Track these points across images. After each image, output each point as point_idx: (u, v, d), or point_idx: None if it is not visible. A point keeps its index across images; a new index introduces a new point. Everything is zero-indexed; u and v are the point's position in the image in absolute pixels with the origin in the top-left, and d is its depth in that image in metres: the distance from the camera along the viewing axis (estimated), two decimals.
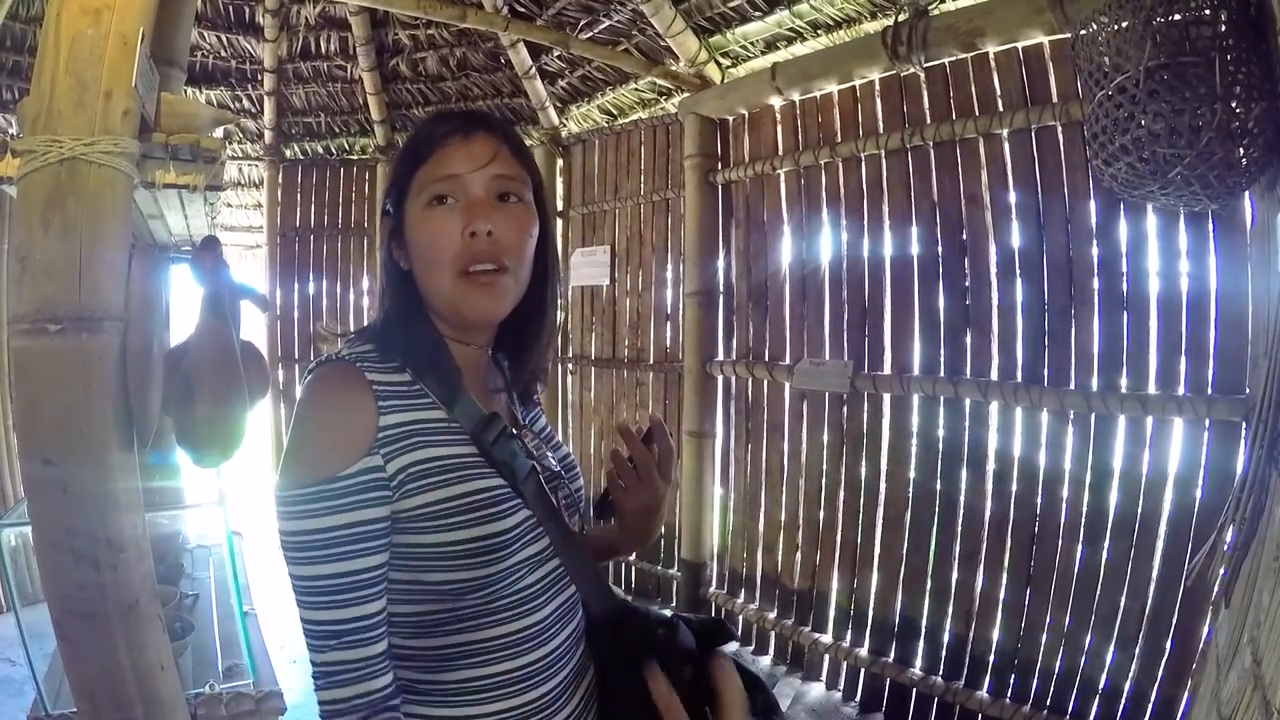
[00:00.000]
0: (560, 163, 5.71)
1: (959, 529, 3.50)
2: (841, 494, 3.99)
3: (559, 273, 1.39)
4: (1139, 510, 2.97)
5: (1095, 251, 3.07)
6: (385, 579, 1.11)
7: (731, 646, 4.20)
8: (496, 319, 1.26)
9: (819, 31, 4.10)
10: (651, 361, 5.06)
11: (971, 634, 3.46)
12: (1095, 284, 3.07)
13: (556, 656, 1.22)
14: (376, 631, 1.09)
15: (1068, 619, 3.15)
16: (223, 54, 6.19)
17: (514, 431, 1.27)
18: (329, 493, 1.06)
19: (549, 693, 1.20)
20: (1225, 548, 1.90)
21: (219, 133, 1.84)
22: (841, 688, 3.96)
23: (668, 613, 1.37)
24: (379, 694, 1.09)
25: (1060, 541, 3.17)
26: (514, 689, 1.17)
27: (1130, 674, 2.99)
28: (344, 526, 1.06)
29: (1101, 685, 3.06)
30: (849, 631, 3.94)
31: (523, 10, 5.05)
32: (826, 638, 4.02)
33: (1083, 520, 3.11)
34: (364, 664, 1.08)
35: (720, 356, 4.60)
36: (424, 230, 1.20)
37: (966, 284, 3.47)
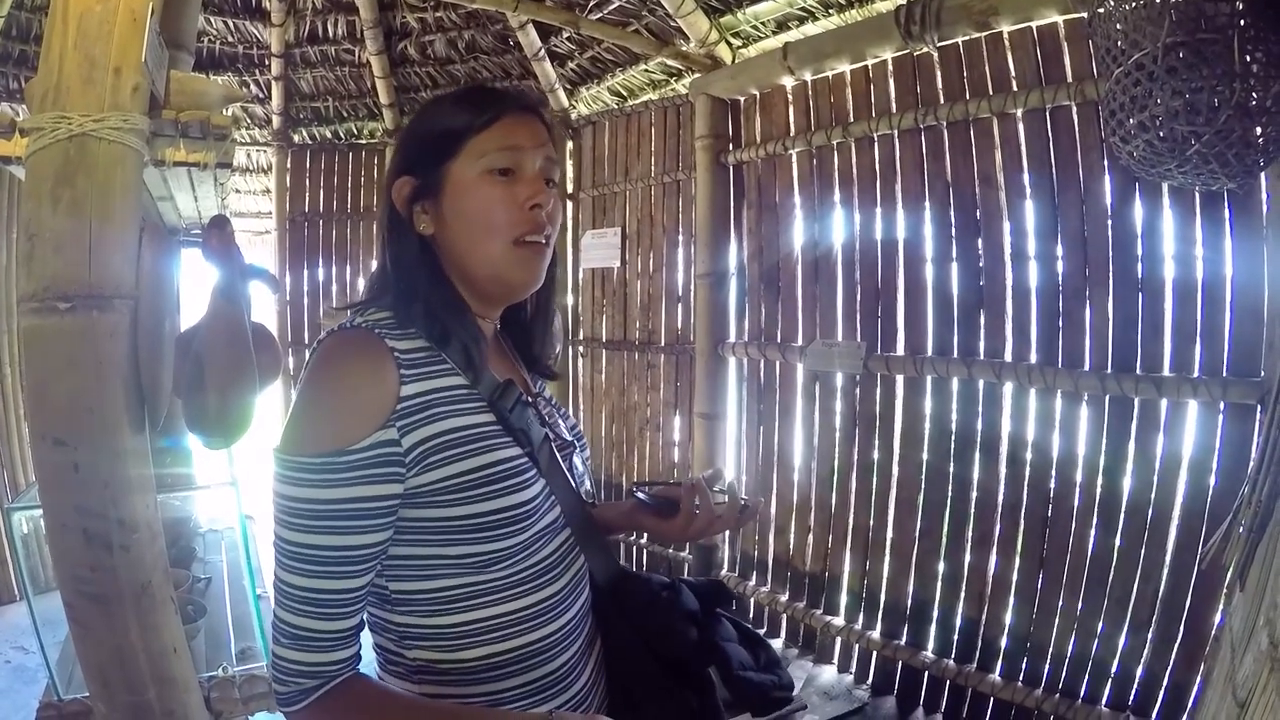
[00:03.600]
0: (570, 145, 5.68)
1: (972, 512, 3.49)
2: (854, 476, 3.98)
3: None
4: (1153, 494, 2.95)
5: (1110, 232, 3.04)
6: (380, 555, 1.10)
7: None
8: (535, 287, 1.28)
9: (831, 11, 4.06)
10: (663, 343, 5.04)
11: (984, 617, 3.45)
12: (1110, 265, 3.05)
13: (571, 628, 1.23)
14: (356, 606, 1.10)
15: (1080, 603, 3.14)
16: (229, 39, 6.17)
17: (529, 399, 1.27)
18: (337, 465, 1.04)
19: (565, 664, 1.21)
20: (1240, 531, 1.89)
21: (228, 110, 1.83)
22: (853, 670, 3.96)
23: (668, 579, 1.40)
24: (341, 664, 1.09)
25: (1073, 525, 3.16)
26: (532, 662, 1.18)
27: (1143, 658, 2.97)
28: (348, 501, 1.04)
29: (1114, 670, 3.05)
30: (861, 614, 3.93)
31: None
32: (838, 621, 4.01)
33: (1096, 504, 3.10)
34: (335, 635, 1.07)
35: (732, 338, 4.58)
36: (481, 196, 1.20)
37: (980, 265, 3.44)
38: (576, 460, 1.34)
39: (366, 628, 1.18)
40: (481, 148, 1.20)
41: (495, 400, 1.18)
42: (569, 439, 1.35)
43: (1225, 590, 2.68)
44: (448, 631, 1.14)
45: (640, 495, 1.39)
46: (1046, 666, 3.24)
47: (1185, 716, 2.83)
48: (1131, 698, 3.00)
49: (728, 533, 4.66)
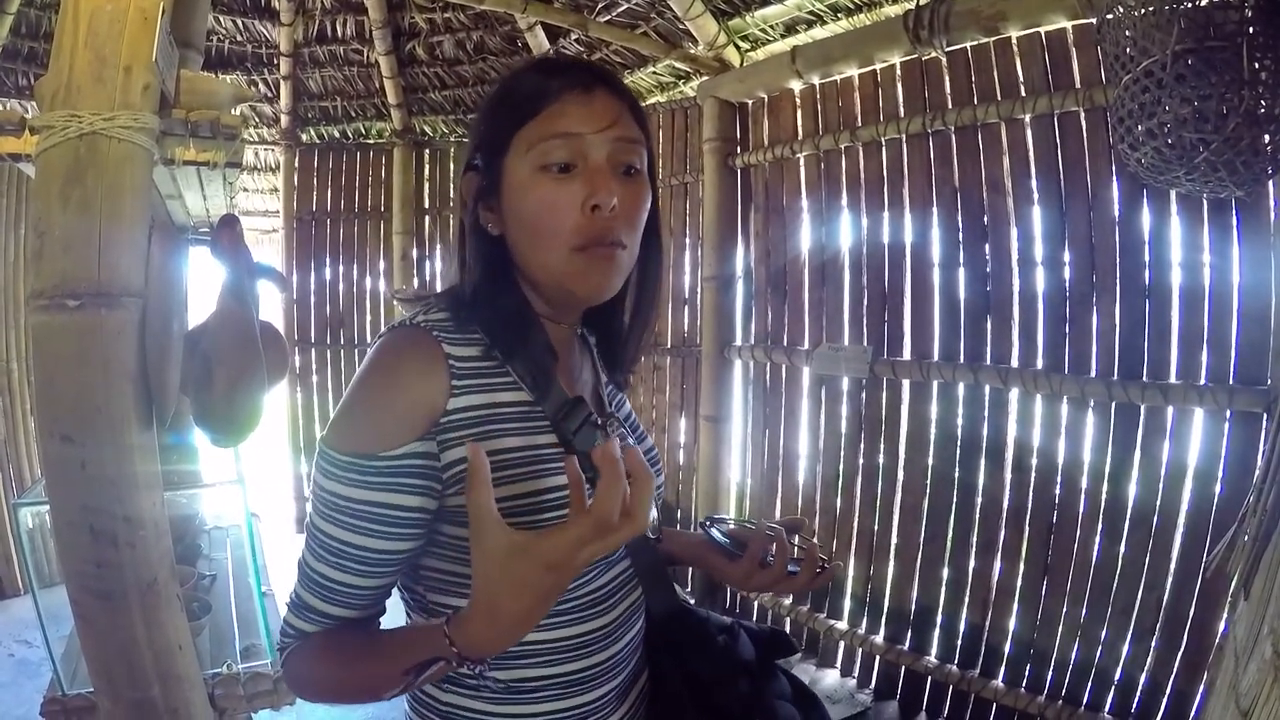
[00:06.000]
0: None
1: (976, 517, 3.49)
2: (859, 480, 3.97)
3: (664, 247, 1.27)
4: (1158, 501, 2.95)
5: (1117, 239, 3.04)
6: (400, 562, 1.06)
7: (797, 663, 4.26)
8: (607, 297, 1.12)
9: (839, 14, 4.06)
10: (669, 345, 5.05)
11: (987, 623, 3.45)
12: (1117, 272, 3.04)
13: (619, 660, 1.17)
14: (366, 601, 1.07)
15: (1084, 610, 3.14)
16: (238, 38, 6.19)
17: (599, 420, 1.15)
18: (363, 468, 1.00)
19: (605, 695, 1.16)
20: (1245, 539, 1.89)
21: (238, 110, 1.84)
22: (856, 675, 3.96)
23: (727, 620, 1.32)
24: None
25: (1078, 531, 3.15)
26: (572, 690, 1.12)
27: (1146, 666, 2.97)
28: (369, 504, 1.00)
29: (1117, 677, 3.05)
30: (865, 619, 3.93)
31: None
32: (842, 625, 4.01)
33: (1101, 510, 3.09)
34: (337, 619, 1.07)
35: (738, 341, 4.58)
36: (534, 197, 1.06)
37: (987, 270, 3.44)
38: None
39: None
40: (529, 139, 1.06)
41: (559, 420, 1.10)
42: None
43: (1229, 599, 2.67)
44: None
45: (713, 532, 1.30)
46: (1050, 673, 3.24)
47: None
48: (1134, 705, 3.00)
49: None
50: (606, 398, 1.29)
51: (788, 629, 4.30)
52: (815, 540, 1.29)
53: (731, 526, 1.33)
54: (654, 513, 1.25)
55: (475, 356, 1.07)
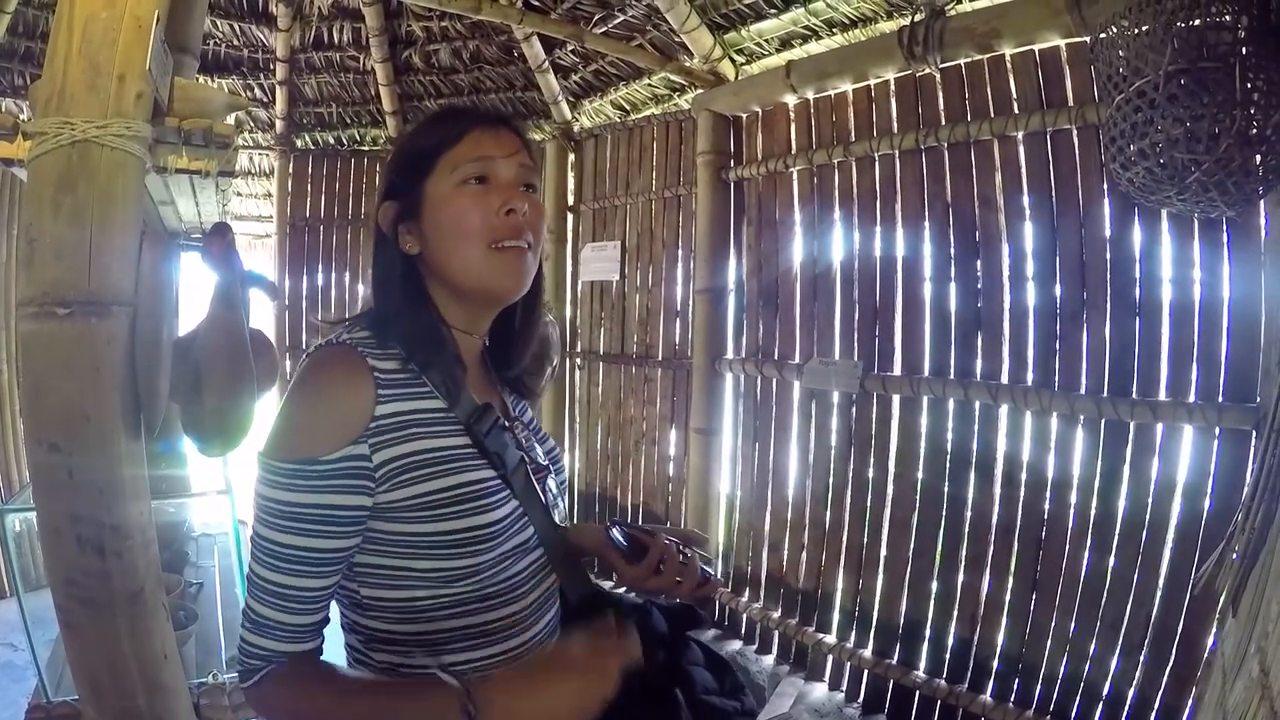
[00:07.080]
0: (572, 157, 5.69)
1: (966, 532, 3.48)
2: (849, 494, 3.96)
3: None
4: (1147, 517, 2.95)
5: (1108, 256, 3.05)
6: (344, 560, 1.16)
7: (708, 634, 4.26)
8: (519, 293, 1.30)
9: (834, 30, 4.07)
10: (660, 358, 5.04)
11: (976, 638, 3.44)
12: (1107, 289, 3.05)
13: (537, 643, 1.29)
14: (318, 604, 1.16)
15: (1073, 625, 3.13)
16: (235, 43, 6.18)
17: (505, 423, 1.33)
18: (306, 472, 1.11)
19: None
20: (1233, 557, 1.89)
21: (231, 118, 1.83)
22: (844, 689, 3.94)
23: (638, 600, 1.45)
24: (295, 656, 1.15)
25: (1067, 547, 3.15)
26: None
27: (1134, 681, 2.97)
28: (314, 506, 1.11)
29: (1105, 692, 3.04)
30: (853, 632, 3.92)
31: (537, 3, 5.03)
32: (830, 638, 4.00)
33: (1090, 526, 3.09)
34: (295, 628, 1.14)
35: (729, 354, 4.58)
36: (455, 207, 1.25)
37: (978, 286, 3.45)
38: (551, 483, 1.39)
39: (339, 626, 1.27)
40: (453, 161, 1.26)
41: (471, 424, 1.24)
42: (544, 463, 1.39)
43: (1217, 615, 2.67)
44: (413, 638, 1.21)
45: (614, 533, 1.39)
46: (1038, 688, 3.23)
47: None
48: None
49: (720, 546, 4.65)
50: (510, 404, 1.46)
51: (777, 642, 4.31)
52: (707, 555, 1.43)
53: (632, 530, 1.41)
54: (562, 503, 1.43)
55: (395, 369, 1.21)
